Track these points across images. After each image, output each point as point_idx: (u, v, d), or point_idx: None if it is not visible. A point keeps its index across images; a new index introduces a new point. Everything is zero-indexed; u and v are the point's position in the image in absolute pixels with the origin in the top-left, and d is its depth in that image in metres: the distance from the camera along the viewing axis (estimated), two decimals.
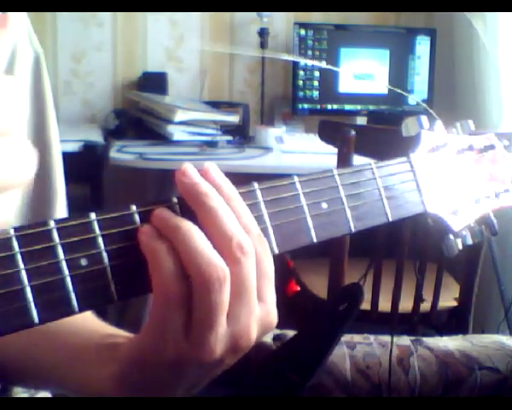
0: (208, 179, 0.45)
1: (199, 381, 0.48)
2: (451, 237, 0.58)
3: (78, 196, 1.87)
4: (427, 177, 0.57)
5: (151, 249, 0.42)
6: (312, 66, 2.40)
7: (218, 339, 0.43)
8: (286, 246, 0.47)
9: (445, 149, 0.58)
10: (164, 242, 0.42)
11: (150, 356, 0.45)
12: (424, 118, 0.58)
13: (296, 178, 0.49)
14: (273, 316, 0.46)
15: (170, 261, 0.42)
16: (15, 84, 0.34)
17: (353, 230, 0.50)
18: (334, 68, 2.33)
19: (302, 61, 2.35)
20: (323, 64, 2.37)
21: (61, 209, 0.69)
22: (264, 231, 0.46)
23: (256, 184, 0.47)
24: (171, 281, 0.42)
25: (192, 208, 0.44)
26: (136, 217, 0.43)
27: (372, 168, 0.53)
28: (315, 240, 0.48)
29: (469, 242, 0.59)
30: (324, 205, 0.49)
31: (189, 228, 0.43)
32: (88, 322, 0.59)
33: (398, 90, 2.05)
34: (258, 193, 0.47)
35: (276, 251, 0.47)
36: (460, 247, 0.59)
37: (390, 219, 0.53)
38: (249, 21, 2.47)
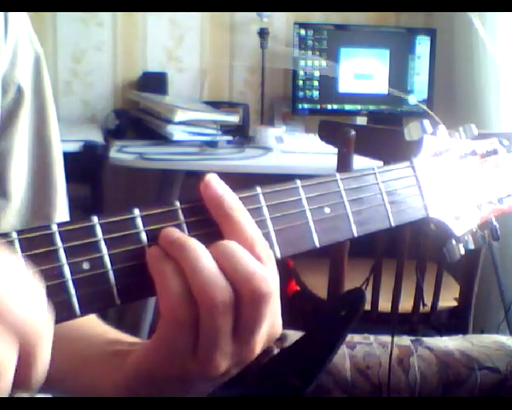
0: (210, 190, 0.45)
1: (203, 391, 0.48)
2: (453, 241, 0.58)
3: (78, 196, 1.87)
4: (430, 182, 0.57)
5: (158, 271, 0.42)
6: (312, 66, 2.40)
7: (225, 357, 0.43)
8: (288, 251, 0.47)
9: (447, 153, 0.58)
10: (171, 262, 0.42)
11: (156, 371, 0.45)
12: (427, 122, 0.58)
13: (299, 183, 0.49)
14: (278, 326, 0.46)
15: (177, 283, 0.42)
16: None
17: (356, 234, 0.50)
18: (333, 63, 2.33)
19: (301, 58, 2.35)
20: (323, 61, 2.37)
21: (61, 208, 0.69)
22: (267, 235, 0.46)
23: (259, 189, 0.47)
24: (179, 303, 0.41)
25: (216, 220, 0.45)
26: (139, 221, 0.43)
27: (375, 173, 0.53)
28: (317, 245, 0.48)
29: (471, 247, 0.59)
30: (327, 210, 0.49)
31: (195, 248, 0.42)
32: (92, 326, 0.59)
33: (398, 93, 2.05)
34: (261, 197, 0.47)
35: (279, 256, 0.47)
36: (462, 252, 0.58)
37: (392, 224, 0.53)
38: (249, 21, 2.46)
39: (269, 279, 0.42)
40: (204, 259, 0.42)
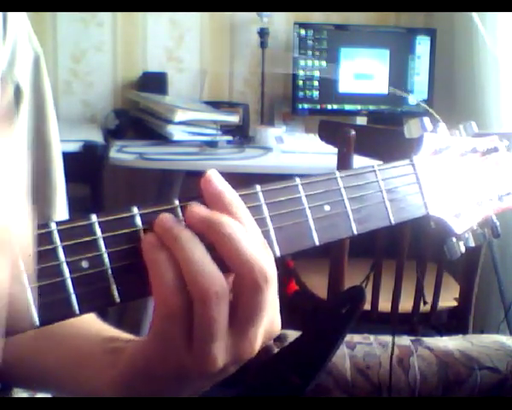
0: (210, 186, 0.45)
1: (201, 388, 0.48)
2: (454, 239, 0.58)
3: (78, 196, 1.86)
4: (430, 179, 0.57)
5: (152, 259, 0.42)
6: (312, 66, 2.40)
7: (221, 352, 0.43)
8: (288, 249, 0.47)
9: (448, 151, 0.58)
10: (165, 251, 0.42)
11: (152, 366, 0.45)
12: (427, 120, 0.58)
13: (298, 181, 0.48)
14: (277, 323, 0.46)
15: (170, 272, 0.41)
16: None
17: (355, 232, 0.50)
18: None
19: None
20: (323, 62, 2.36)
21: (61, 208, 0.69)
22: (266, 233, 0.46)
23: (258, 187, 0.47)
24: (172, 292, 0.41)
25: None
26: (138, 219, 0.43)
27: (375, 171, 0.53)
28: (317, 243, 0.48)
29: (472, 244, 0.59)
30: (327, 207, 0.49)
31: (189, 238, 0.42)
32: (91, 325, 0.59)
33: (399, 92, 2.05)
34: (261, 195, 0.47)
35: (278, 254, 0.46)
36: (462, 249, 0.58)
37: (392, 222, 0.52)
38: (249, 21, 2.46)
39: (266, 269, 0.42)
40: (197, 249, 0.42)
